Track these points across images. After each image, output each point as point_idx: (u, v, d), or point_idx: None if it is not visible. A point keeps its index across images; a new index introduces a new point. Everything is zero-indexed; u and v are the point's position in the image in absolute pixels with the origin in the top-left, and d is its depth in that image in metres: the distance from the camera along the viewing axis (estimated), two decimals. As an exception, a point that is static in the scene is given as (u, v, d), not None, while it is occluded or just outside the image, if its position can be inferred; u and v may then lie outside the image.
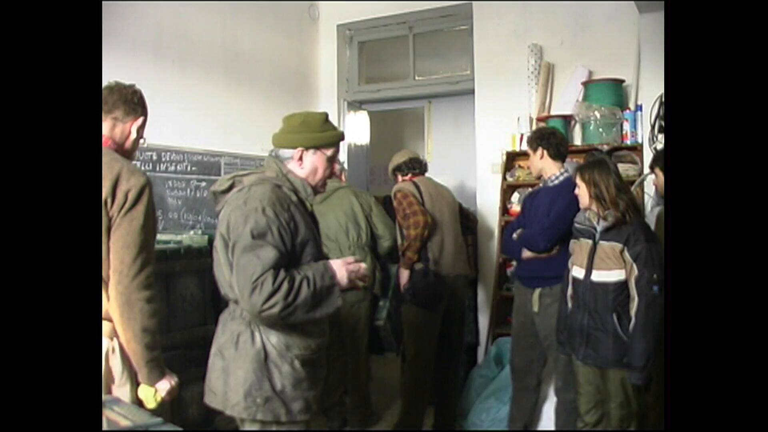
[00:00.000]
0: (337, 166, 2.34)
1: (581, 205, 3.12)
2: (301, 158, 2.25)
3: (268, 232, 2.04)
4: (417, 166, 4.38)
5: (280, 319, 2.03)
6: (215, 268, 2.28)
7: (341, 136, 2.33)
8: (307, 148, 2.24)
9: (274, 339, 2.14)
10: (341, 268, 2.13)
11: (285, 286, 1.98)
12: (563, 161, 3.63)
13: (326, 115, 2.33)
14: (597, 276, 3.00)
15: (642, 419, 3.13)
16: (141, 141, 2.37)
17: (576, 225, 3.17)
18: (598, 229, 3.02)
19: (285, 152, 2.26)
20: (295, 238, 2.12)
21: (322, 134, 2.26)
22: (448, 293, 4.06)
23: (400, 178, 4.40)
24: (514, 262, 4.59)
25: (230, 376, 2.17)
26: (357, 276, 2.17)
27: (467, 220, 4.61)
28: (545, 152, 3.59)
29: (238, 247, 2.05)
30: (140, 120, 2.34)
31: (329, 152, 2.28)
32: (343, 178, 4.53)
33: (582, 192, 3.07)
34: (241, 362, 2.15)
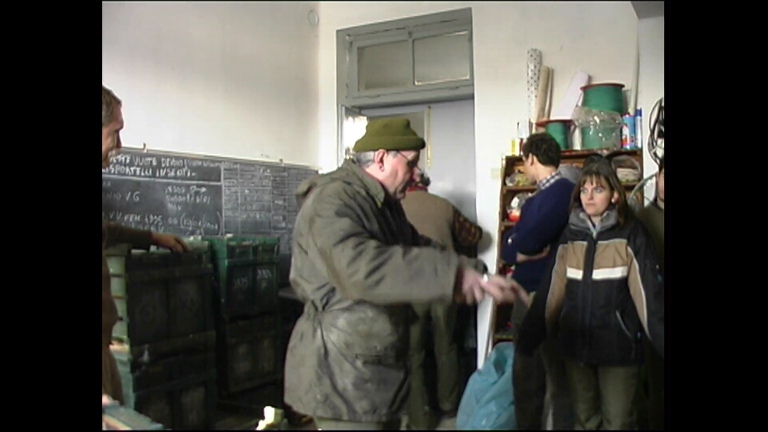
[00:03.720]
0: (416, 172, 2.34)
1: (595, 210, 3.03)
2: (381, 160, 2.27)
3: (341, 210, 2.05)
4: (417, 179, 4.60)
5: (369, 288, 1.88)
6: (292, 272, 2.29)
7: (422, 143, 2.32)
8: (387, 150, 2.26)
9: (334, 337, 2.16)
10: (471, 272, 1.92)
11: (371, 250, 1.90)
12: (555, 166, 3.65)
13: (408, 121, 2.34)
14: (599, 274, 2.99)
15: (642, 421, 3.13)
16: (111, 149, 2.21)
17: (571, 227, 3.15)
18: (597, 229, 3.02)
19: (366, 155, 2.28)
20: (366, 223, 2.11)
21: (403, 137, 2.28)
22: (425, 308, 4.32)
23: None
24: (513, 267, 4.60)
25: (296, 372, 2.22)
26: (473, 295, 1.92)
27: (468, 234, 4.65)
28: (535, 158, 3.64)
29: (314, 230, 2.06)
30: None
31: (410, 156, 2.28)
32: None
33: (603, 196, 3.01)
34: (304, 358, 2.19)
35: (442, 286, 1.85)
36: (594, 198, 3.02)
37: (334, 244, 1.95)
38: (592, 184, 3.03)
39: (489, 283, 1.92)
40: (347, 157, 2.39)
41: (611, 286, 2.97)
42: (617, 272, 2.97)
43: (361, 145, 2.31)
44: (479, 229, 4.83)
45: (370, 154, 2.28)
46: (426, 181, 4.72)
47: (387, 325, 2.20)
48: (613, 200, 3.01)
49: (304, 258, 2.19)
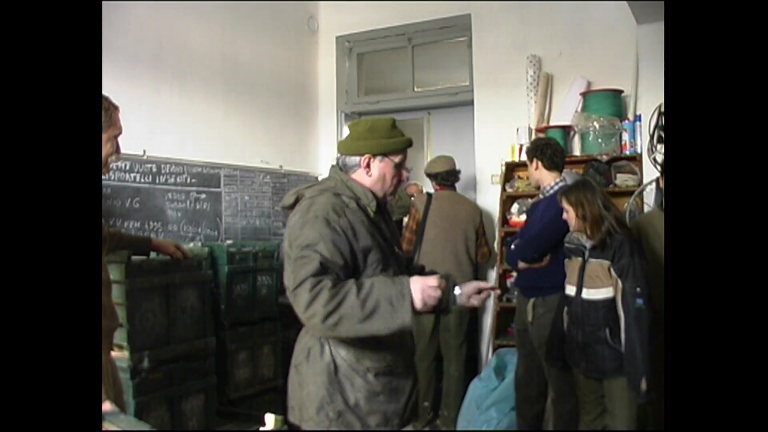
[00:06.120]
0: (405, 173, 2.26)
1: (571, 229, 3.12)
2: (368, 165, 2.16)
3: (319, 242, 1.97)
4: (451, 179, 4.69)
5: (328, 330, 1.91)
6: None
7: (409, 143, 2.22)
8: (374, 155, 2.16)
9: (343, 352, 2.07)
10: (418, 285, 1.94)
11: (325, 293, 1.88)
12: (560, 171, 3.65)
13: (393, 120, 2.23)
14: (586, 294, 3.03)
15: (642, 425, 3.14)
16: (111, 155, 2.19)
17: (566, 245, 3.22)
18: (587, 247, 3.04)
19: (351, 160, 2.18)
20: (355, 243, 2.04)
21: (390, 140, 2.17)
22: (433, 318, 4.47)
23: (432, 183, 4.73)
24: (514, 273, 4.60)
25: (304, 390, 2.12)
26: (433, 300, 1.97)
27: (479, 250, 4.67)
28: (539, 163, 3.62)
29: (291, 259, 2.02)
30: None
31: (397, 159, 2.18)
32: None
33: (570, 216, 3.07)
34: (312, 376, 2.10)
35: (401, 317, 1.90)
36: (566, 218, 3.09)
37: (294, 288, 1.94)
38: (561, 205, 3.12)
39: (430, 279, 1.96)
40: (336, 161, 2.29)
41: (598, 306, 2.99)
42: (602, 293, 2.98)
43: (345, 149, 2.20)
44: (490, 251, 4.80)
45: (356, 159, 2.17)
46: (456, 179, 4.74)
47: (399, 336, 2.11)
48: (579, 215, 3.02)
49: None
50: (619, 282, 2.92)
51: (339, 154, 2.24)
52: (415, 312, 1.91)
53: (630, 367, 2.85)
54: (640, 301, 2.85)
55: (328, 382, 2.07)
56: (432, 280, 1.96)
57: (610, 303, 2.96)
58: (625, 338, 2.88)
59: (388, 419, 2.12)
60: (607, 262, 2.96)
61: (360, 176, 2.19)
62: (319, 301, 1.87)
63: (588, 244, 3.03)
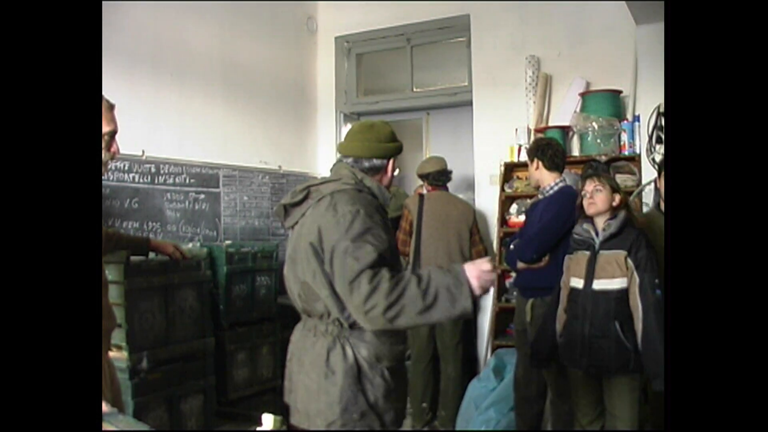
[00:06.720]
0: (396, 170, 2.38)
1: (596, 210, 3.05)
2: (392, 167, 2.25)
3: (366, 233, 1.98)
4: (442, 179, 4.66)
5: (387, 322, 1.89)
6: (286, 282, 2.21)
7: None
8: (395, 157, 2.25)
9: (364, 352, 2.08)
10: (473, 271, 1.95)
11: (385, 284, 1.87)
12: (560, 172, 3.64)
13: None
14: (598, 284, 2.99)
15: (642, 423, 3.14)
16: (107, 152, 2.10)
17: (575, 236, 3.16)
18: (599, 239, 3.03)
19: (381, 162, 2.22)
20: (390, 239, 2.07)
21: (399, 142, 2.28)
22: None
23: (424, 184, 4.73)
24: (513, 273, 4.60)
25: (323, 394, 2.08)
26: (490, 284, 1.99)
27: (474, 248, 4.64)
28: (540, 163, 3.61)
29: (336, 252, 1.98)
30: None
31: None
32: None
33: (600, 198, 3.04)
34: (334, 379, 2.07)
35: (462, 305, 1.91)
36: (594, 198, 3.05)
37: (350, 281, 1.92)
38: (592, 185, 3.07)
39: (484, 263, 1.98)
40: (346, 161, 2.25)
41: (609, 297, 2.97)
42: (616, 284, 2.96)
43: (372, 151, 2.21)
44: (485, 249, 4.75)
45: (384, 162, 2.22)
46: (448, 179, 4.72)
47: (403, 333, 2.19)
48: (614, 203, 3.02)
49: (319, 271, 2.06)
50: (635, 273, 2.92)
51: (360, 155, 2.22)
52: (474, 297, 1.93)
53: (650, 356, 2.83)
54: (659, 291, 2.86)
55: (353, 383, 2.06)
56: (485, 264, 1.97)
57: (623, 294, 2.95)
58: (644, 327, 2.86)
59: (398, 416, 2.16)
60: (623, 253, 2.95)
61: (379, 177, 2.24)
62: (380, 293, 1.87)
63: (601, 235, 3.03)
